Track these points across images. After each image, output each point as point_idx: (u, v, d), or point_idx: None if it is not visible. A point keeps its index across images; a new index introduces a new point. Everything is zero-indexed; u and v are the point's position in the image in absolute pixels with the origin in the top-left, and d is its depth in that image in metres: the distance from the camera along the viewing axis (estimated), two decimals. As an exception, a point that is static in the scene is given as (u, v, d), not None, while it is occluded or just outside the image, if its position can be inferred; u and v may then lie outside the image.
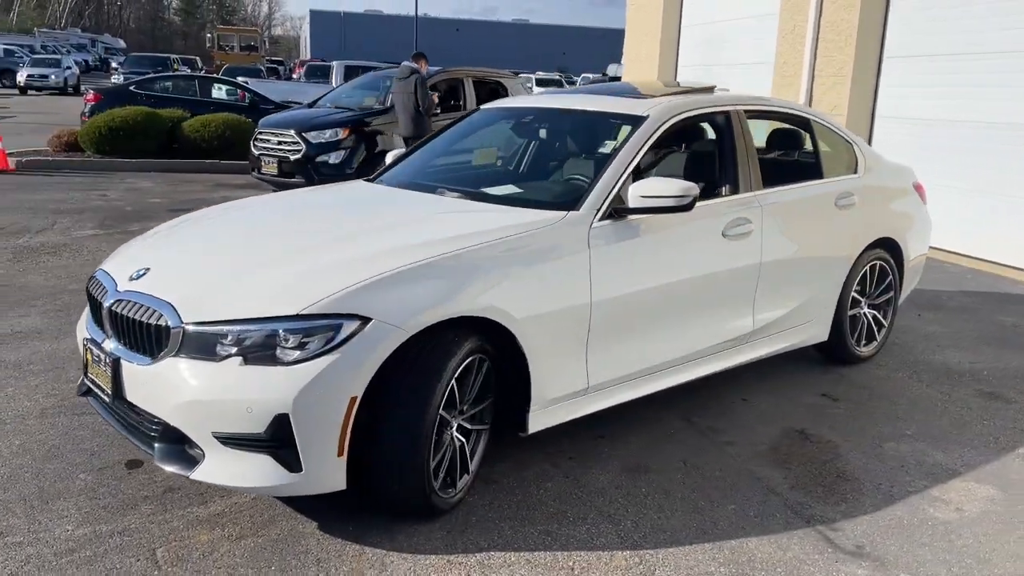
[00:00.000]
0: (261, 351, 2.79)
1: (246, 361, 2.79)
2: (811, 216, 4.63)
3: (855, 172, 5.08)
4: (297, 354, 2.78)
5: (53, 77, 33.89)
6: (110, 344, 3.14)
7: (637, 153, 3.89)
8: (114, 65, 37.05)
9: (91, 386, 3.32)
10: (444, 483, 3.18)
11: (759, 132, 5.19)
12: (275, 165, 10.75)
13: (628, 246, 3.68)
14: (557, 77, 38.59)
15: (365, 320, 2.84)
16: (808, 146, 5.05)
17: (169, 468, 2.91)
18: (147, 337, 2.98)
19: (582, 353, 3.54)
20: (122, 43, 57.58)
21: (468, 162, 4.71)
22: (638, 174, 3.96)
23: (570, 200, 3.70)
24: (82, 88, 31.52)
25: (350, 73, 20.64)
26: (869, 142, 10.00)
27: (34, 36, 50.49)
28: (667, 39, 14.34)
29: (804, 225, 4.57)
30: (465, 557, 2.93)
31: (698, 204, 4.01)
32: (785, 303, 4.52)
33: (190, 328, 2.87)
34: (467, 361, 3.11)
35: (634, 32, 15.28)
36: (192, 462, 2.89)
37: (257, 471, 2.82)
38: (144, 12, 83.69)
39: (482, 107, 5.01)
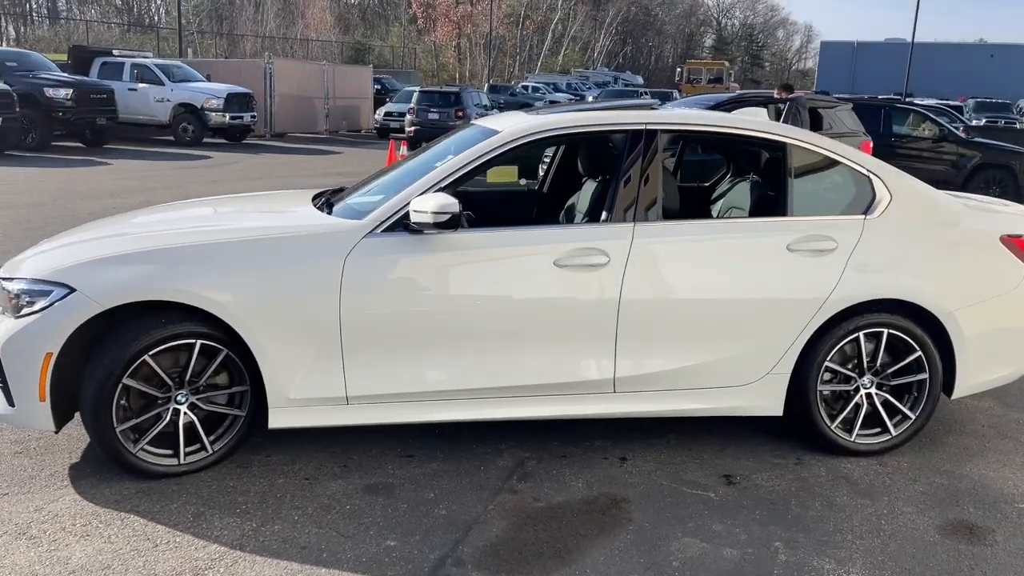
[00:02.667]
0: (14, 305, 3.54)
1: (3, 311, 3.56)
2: (731, 258, 3.82)
3: (864, 212, 3.99)
4: (25, 310, 3.47)
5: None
6: None
7: (458, 170, 3.76)
8: (589, 98, 40.66)
9: None
10: (162, 450, 3.58)
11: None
12: None
13: (409, 262, 3.62)
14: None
15: (72, 290, 3.41)
16: (773, 176, 4.12)
17: None
18: None
19: (336, 362, 3.61)
20: (640, 79, 62.82)
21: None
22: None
23: (371, 210, 3.76)
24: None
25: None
26: None
27: (569, 75, 57.77)
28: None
29: (715, 267, 3.80)
30: (107, 512, 3.33)
31: (527, 229, 3.77)
32: (678, 357, 3.82)
33: None
34: (173, 343, 3.47)
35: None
36: None
37: None
38: (676, 51, 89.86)
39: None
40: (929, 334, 3.97)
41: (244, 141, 23.04)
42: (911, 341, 3.96)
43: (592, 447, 4.06)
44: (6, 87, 16.90)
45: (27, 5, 63.09)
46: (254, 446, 3.91)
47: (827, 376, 3.98)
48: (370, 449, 3.95)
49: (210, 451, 3.67)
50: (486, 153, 3.80)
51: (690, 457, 3.98)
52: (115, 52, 23.92)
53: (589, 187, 4.60)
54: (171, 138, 21.66)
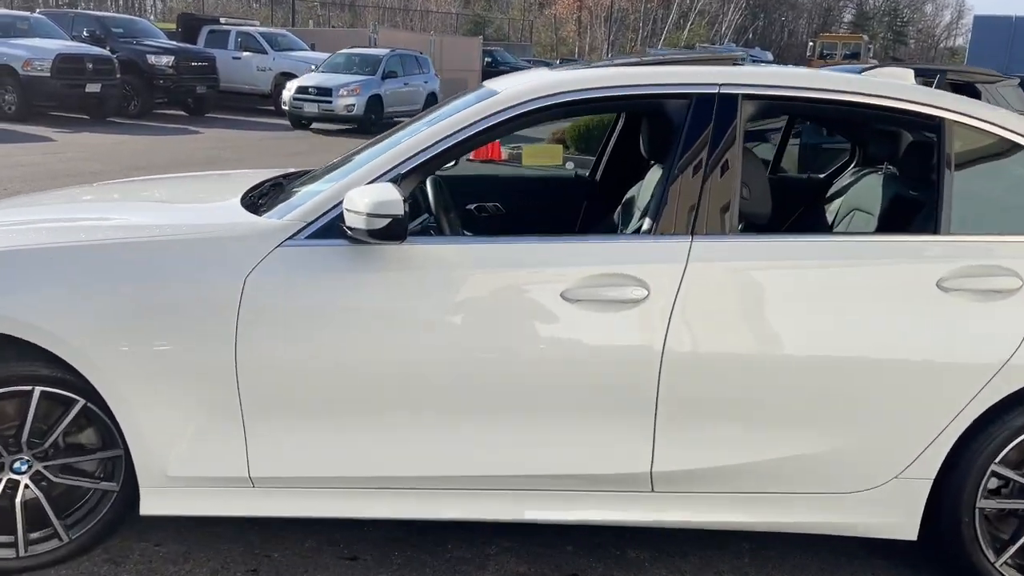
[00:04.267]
0: None
1: None
2: (844, 297, 2.44)
3: (1074, 231, 2.52)
4: None
5: (343, 96, 16.38)
6: None
7: (425, 150, 2.52)
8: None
9: None
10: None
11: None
12: None
13: (339, 286, 2.43)
14: None
15: None
16: (919, 170, 2.69)
17: None
18: None
19: (233, 427, 2.47)
20: (769, 55, 59.39)
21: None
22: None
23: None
24: None
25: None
26: None
27: (694, 50, 55.09)
28: None
29: (817, 311, 2.44)
30: None
31: (522, 241, 2.49)
32: (750, 445, 2.48)
33: None
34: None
35: None
36: None
37: None
38: (811, 26, 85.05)
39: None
40: None
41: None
42: None
43: (623, 559, 2.77)
44: (106, 53, 16.68)
45: (174, -22, 65.57)
46: (146, 527, 2.80)
47: (994, 484, 2.55)
48: (303, 542, 2.79)
49: (65, 539, 2.59)
50: (471, 125, 2.54)
51: (766, 591, 2.65)
52: (222, 20, 23.67)
53: (653, 176, 3.28)
54: (272, 108, 21.18)
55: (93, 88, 15.76)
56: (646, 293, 2.40)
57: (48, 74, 15.12)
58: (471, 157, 13.78)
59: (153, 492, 2.51)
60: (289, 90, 17.02)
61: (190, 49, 19.53)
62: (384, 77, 17.65)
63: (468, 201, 3.78)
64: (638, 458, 2.49)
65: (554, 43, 58.42)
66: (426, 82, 19.48)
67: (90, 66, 15.74)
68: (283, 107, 17.19)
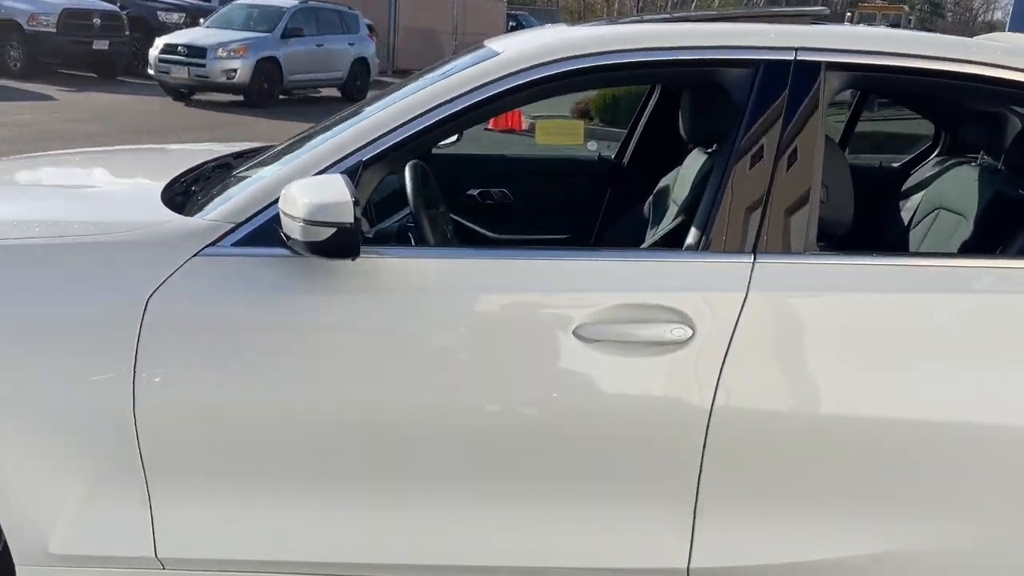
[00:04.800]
0: None
1: None
2: (960, 343, 1.79)
3: None
4: None
5: (222, 58, 12.71)
6: None
7: (392, 132, 1.87)
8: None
9: None
10: None
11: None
12: None
13: (275, 313, 1.80)
14: None
15: None
16: None
17: None
18: None
19: (133, 494, 1.87)
20: (803, 26, 57.90)
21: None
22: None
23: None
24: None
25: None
26: None
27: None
28: None
29: (923, 361, 1.79)
30: None
31: (519, 255, 1.85)
32: (824, 538, 1.85)
33: None
34: None
35: None
36: None
37: None
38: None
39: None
40: None
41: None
42: None
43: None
44: (115, 8, 16.11)
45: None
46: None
47: None
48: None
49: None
50: (459, 97, 1.88)
51: None
52: (237, -23, 22.93)
53: (693, 165, 2.64)
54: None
55: (101, 45, 15.19)
56: (690, 333, 1.75)
57: (54, 30, 14.57)
58: (488, 127, 12.85)
59: (33, 572, 1.92)
60: (156, 48, 13.10)
61: (203, 6, 18.92)
62: (286, 36, 13.88)
63: (470, 186, 3.17)
64: (673, 550, 1.86)
65: (581, 8, 57.19)
66: (352, 44, 15.43)
67: (98, 22, 15.16)
68: (148, 71, 13.55)
